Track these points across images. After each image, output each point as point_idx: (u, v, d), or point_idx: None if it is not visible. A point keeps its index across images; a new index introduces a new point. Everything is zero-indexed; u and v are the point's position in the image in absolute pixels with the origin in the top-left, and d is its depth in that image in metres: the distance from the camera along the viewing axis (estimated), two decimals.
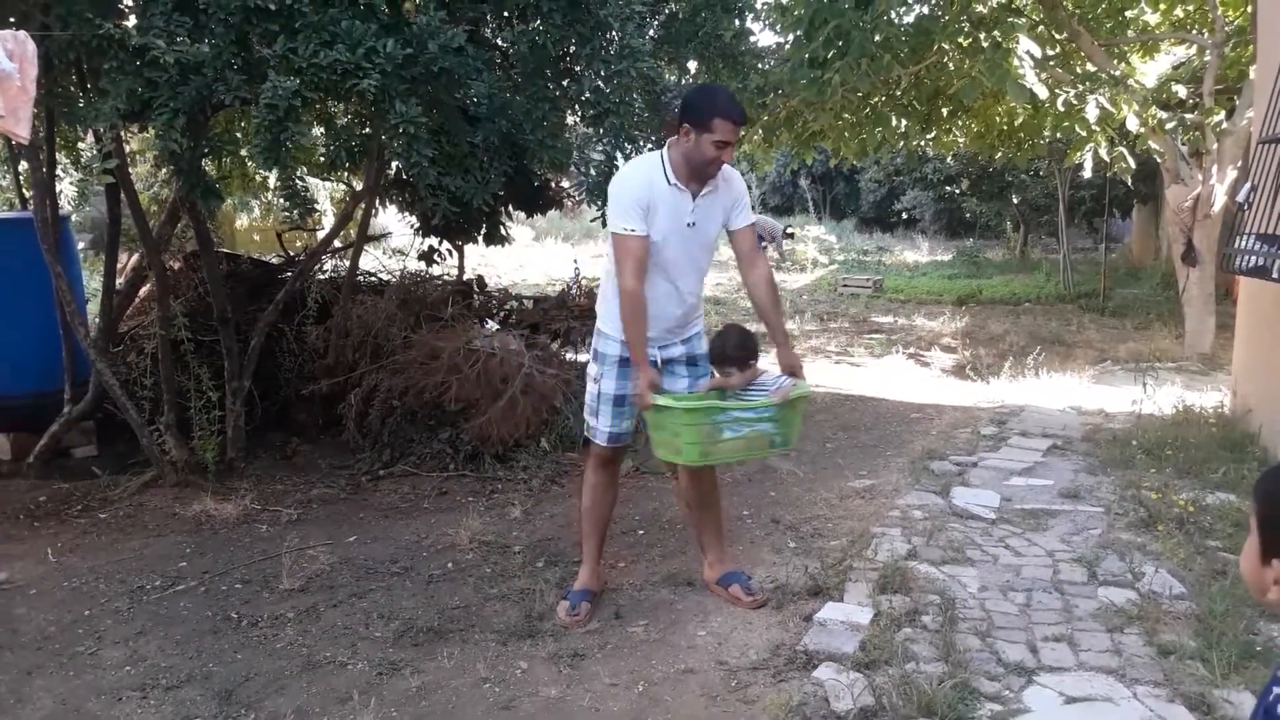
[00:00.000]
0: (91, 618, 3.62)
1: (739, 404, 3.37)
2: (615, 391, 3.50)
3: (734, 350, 3.49)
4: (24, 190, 6.45)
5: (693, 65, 6.23)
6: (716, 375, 3.57)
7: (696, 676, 3.11)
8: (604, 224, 4.69)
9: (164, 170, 5.32)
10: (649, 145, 5.15)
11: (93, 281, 8.06)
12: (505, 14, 4.84)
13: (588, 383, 3.62)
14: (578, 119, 5.44)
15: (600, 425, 3.55)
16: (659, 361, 3.51)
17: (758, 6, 8.59)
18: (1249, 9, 8.56)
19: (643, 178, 3.37)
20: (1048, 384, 7.64)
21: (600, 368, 3.53)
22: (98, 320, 5.58)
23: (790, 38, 8.88)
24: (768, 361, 3.67)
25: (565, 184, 6.99)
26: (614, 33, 4.54)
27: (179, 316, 5.30)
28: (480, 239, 6.53)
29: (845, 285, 15.76)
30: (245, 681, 3.13)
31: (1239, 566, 1.43)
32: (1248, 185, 5.18)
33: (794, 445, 3.60)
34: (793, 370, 3.49)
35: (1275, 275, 4.57)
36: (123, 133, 4.91)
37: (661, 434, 3.42)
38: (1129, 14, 10.16)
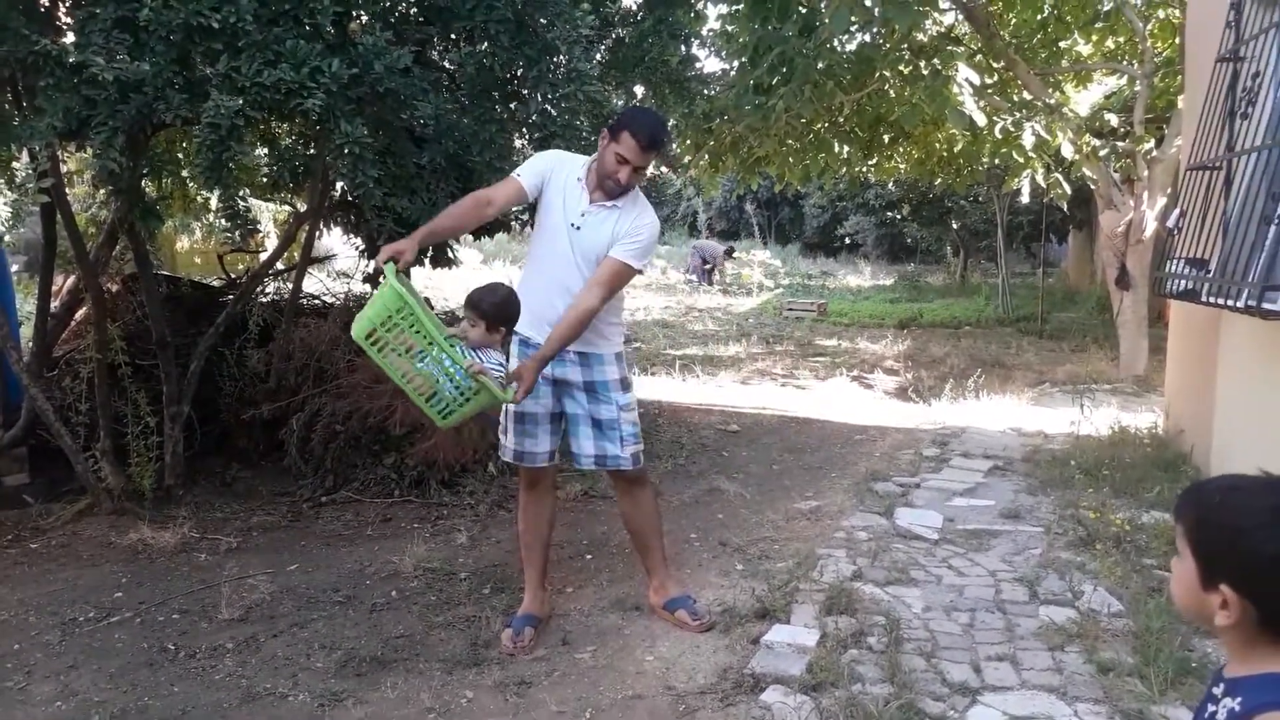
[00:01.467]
0: (21, 651, 3.50)
1: (428, 324, 3.01)
2: (515, 408, 3.45)
3: (487, 305, 3.20)
4: None
5: (639, 90, 6.28)
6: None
7: (644, 702, 3.09)
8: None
9: (102, 190, 5.20)
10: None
11: (26, 304, 7.85)
12: (452, 35, 4.83)
13: None
14: (525, 141, 5.45)
15: (507, 442, 3.55)
16: (554, 378, 3.43)
17: (703, 33, 8.72)
18: (1177, 41, 8.85)
19: (560, 158, 3.46)
20: (988, 406, 7.78)
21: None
22: (31, 344, 5.44)
23: (735, 64, 8.99)
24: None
25: (513, 206, 6.97)
26: (561, 56, 4.55)
27: (116, 340, 5.18)
28: (427, 261, 6.47)
29: (790, 309, 15.93)
30: (183, 715, 3.05)
31: (1173, 591, 1.41)
32: (1177, 211, 5.34)
33: (445, 425, 3.19)
34: (516, 375, 3.22)
35: (1204, 299, 4.71)
36: (59, 152, 4.80)
37: (369, 304, 3.14)
38: (1063, 44, 10.46)
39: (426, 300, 4.24)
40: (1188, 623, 3.37)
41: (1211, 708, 1.36)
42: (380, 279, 3.14)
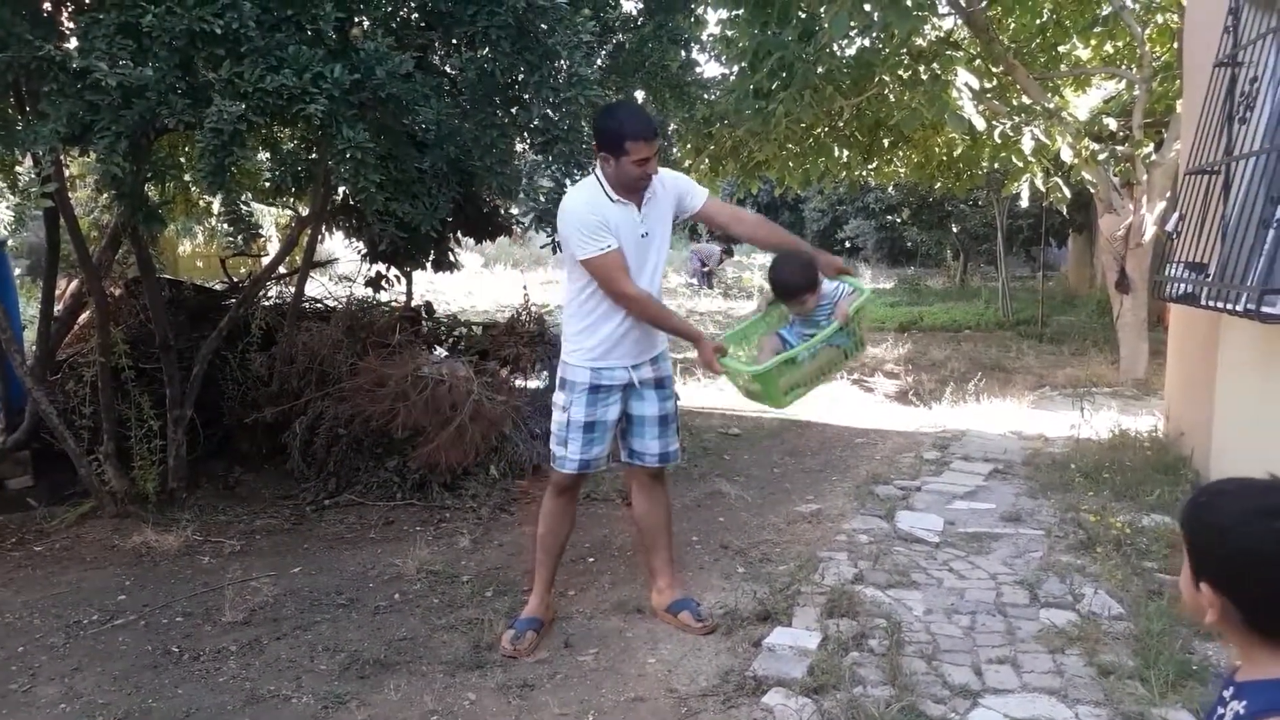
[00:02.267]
0: (25, 654, 3.52)
1: (804, 346, 3.44)
2: (585, 419, 3.50)
3: (801, 279, 3.52)
4: None
5: (640, 94, 6.30)
6: (784, 308, 3.69)
7: (646, 704, 3.10)
8: (555, 250, 4.71)
9: (105, 195, 5.22)
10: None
11: (30, 308, 7.87)
12: (454, 41, 4.85)
13: (554, 411, 3.60)
14: (526, 146, 5.47)
15: (570, 453, 3.54)
16: (635, 382, 3.53)
17: (703, 38, 8.74)
18: (1175, 45, 8.87)
19: (587, 202, 3.39)
20: (988, 409, 7.79)
21: (568, 395, 3.52)
22: (35, 348, 5.45)
23: (735, 69, 9.00)
24: None
25: (514, 211, 7.00)
26: (562, 61, 4.57)
27: (119, 344, 5.19)
28: (429, 265, 6.50)
29: None
30: (186, 717, 3.06)
31: (1180, 590, 1.44)
32: (1176, 215, 5.35)
33: (865, 346, 3.76)
34: (840, 271, 3.64)
35: (1204, 302, 4.72)
36: (62, 156, 4.82)
37: (740, 386, 3.62)
38: (1062, 49, 10.48)
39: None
40: (1189, 625, 3.39)
41: (1220, 710, 1.37)
42: (732, 375, 3.58)
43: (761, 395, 3.52)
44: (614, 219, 3.36)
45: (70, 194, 5.47)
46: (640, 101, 6.32)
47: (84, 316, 5.80)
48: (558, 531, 3.70)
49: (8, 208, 5.79)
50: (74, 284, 5.85)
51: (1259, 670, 1.35)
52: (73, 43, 4.08)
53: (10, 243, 5.39)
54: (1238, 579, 1.32)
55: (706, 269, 21.78)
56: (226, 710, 3.10)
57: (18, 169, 5.86)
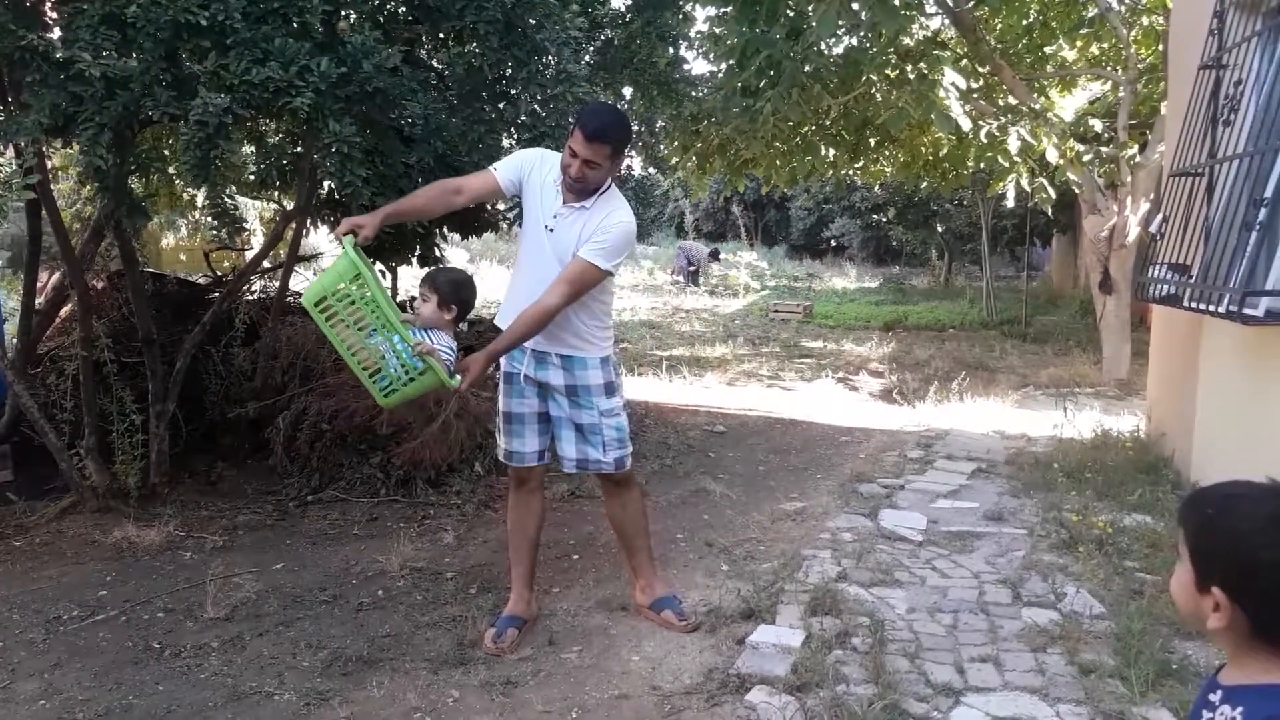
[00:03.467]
0: (4, 650, 3.49)
1: (381, 298, 3.00)
2: (502, 408, 3.51)
3: (442, 280, 3.26)
4: None
5: (627, 91, 6.30)
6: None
7: (630, 702, 3.10)
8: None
9: (88, 187, 5.18)
10: None
11: (11, 300, 7.80)
12: (441, 35, 4.84)
13: None
14: (513, 141, 5.45)
15: (500, 441, 3.59)
16: (522, 377, 3.46)
17: (691, 35, 8.73)
18: (1160, 48, 8.93)
19: (541, 157, 3.43)
20: (972, 408, 7.82)
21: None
22: (15, 341, 5.40)
23: (723, 67, 9.01)
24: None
25: (500, 206, 6.98)
26: (550, 57, 4.56)
27: (101, 337, 5.15)
28: (414, 260, 6.48)
29: (776, 310, 15.97)
30: (167, 714, 3.04)
31: (1173, 593, 1.42)
32: (1160, 216, 5.39)
33: (386, 403, 3.22)
34: (462, 367, 3.18)
35: (1186, 303, 4.75)
36: (45, 148, 4.78)
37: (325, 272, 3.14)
38: (1048, 50, 10.52)
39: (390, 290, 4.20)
40: (1170, 624, 3.41)
41: (1208, 714, 1.35)
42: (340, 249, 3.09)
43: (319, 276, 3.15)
44: (539, 188, 3.36)
45: (53, 186, 5.42)
46: (628, 98, 6.32)
47: (66, 309, 5.76)
48: (521, 526, 3.67)
49: None
50: (56, 277, 5.80)
51: (1252, 674, 1.32)
52: (56, 33, 4.05)
53: None
54: (1253, 586, 1.30)
55: (693, 268, 21.79)
56: (208, 707, 3.09)
57: None
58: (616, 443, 3.52)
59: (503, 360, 3.47)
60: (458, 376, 3.15)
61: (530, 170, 3.39)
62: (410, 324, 3.18)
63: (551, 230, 3.35)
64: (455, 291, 3.26)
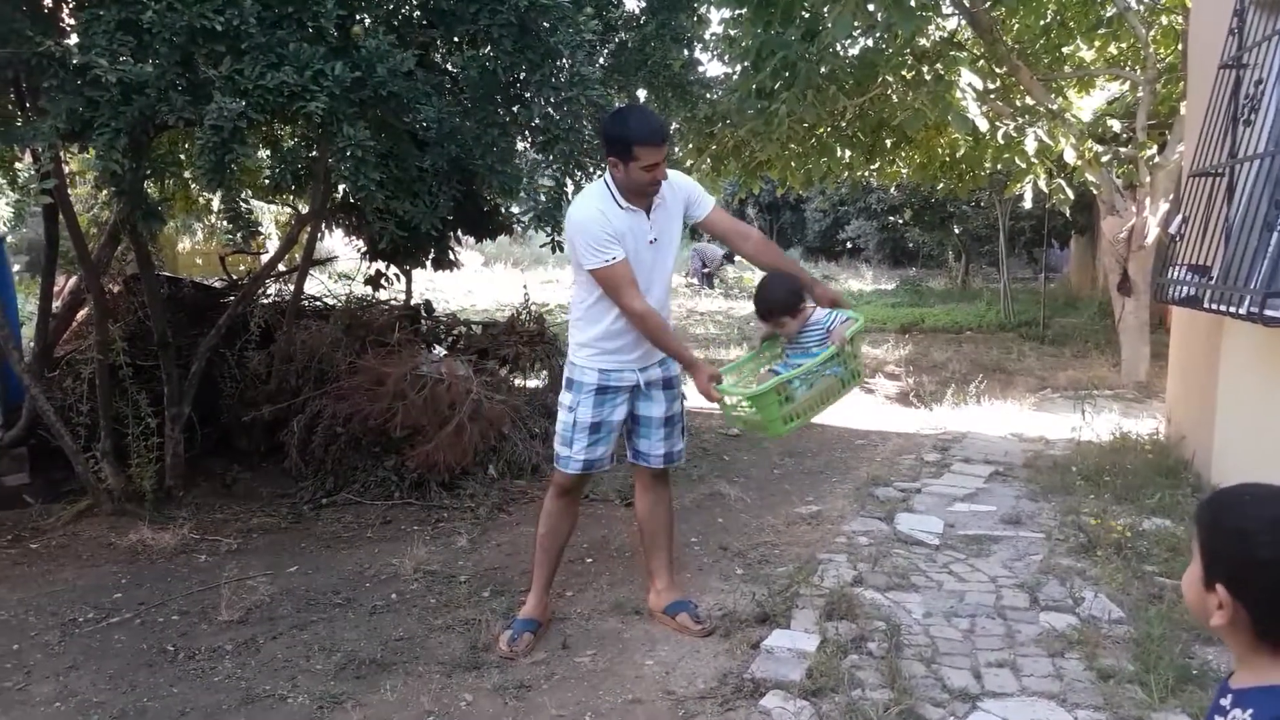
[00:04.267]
0: (21, 652, 3.50)
1: (800, 370, 3.35)
2: (591, 419, 3.48)
3: (784, 298, 3.49)
4: None
5: (642, 93, 6.28)
6: (767, 326, 3.62)
7: (644, 707, 3.09)
8: (554, 249, 4.70)
9: (104, 191, 5.21)
10: (598, 171, 5.18)
11: (28, 304, 7.86)
12: (455, 39, 4.83)
13: (560, 411, 3.57)
14: (527, 144, 5.45)
15: (574, 453, 3.52)
16: (642, 384, 3.51)
17: (706, 37, 8.72)
18: (1180, 47, 8.86)
19: (596, 210, 3.35)
20: (989, 411, 7.77)
21: (575, 396, 3.50)
22: (33, 344, 5.44)
23: (738, 68, 8.99)
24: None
25: (515, 209, 6.98)
26: (564, 60, 4.55)
27: (117, 341, 5.18)
28: (428, 263, 6.49)
29: None
30: (181, 716, 3.05)
31: (1183, 590, 1.44)
32: (1179, 217, 5.33)
33: (862, 376, 3.63)
34: (835, 302, 3.58)
35: (1206, 305, 4.70)
36: (62, 153, 4.81)
37: (736, 417, 3.52)
38: (1066, 50, 10.45)
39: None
40: (1190, 629, 3.37)
41: (1219, 719, 1.36)
42: (727, 406, 3.46)
43: (760, 424, 3.41)
44: (623, 226, 3.34)
45: (69, 190, 5.45)
46: (642, 101, 6.31)
47: (82, 313, 5.80)
48: (558, 532, 3.67)
49: (7, 204, 5.77)
50: (72, 281, 5.84)
51: (1262, 676, 1.33)
52: (73, 39, 4.07)
53: (9, 239, 5.38)
54: (1254, 584, 1.31)
55: (707, 270, 21.76)
56: (222, 709, 3.09)
57: (17, 165, 5.85)
58: (685, 431, 3.67)
59: (595, 377, 3.48)
60: (848, 314, 3.57)
61: (609, 223, 3.31)
62: (798, 346, 3.55)
63: (655, 241, 3.43)
64: (789, 299, 3.50)
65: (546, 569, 3.67)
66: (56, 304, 5.64)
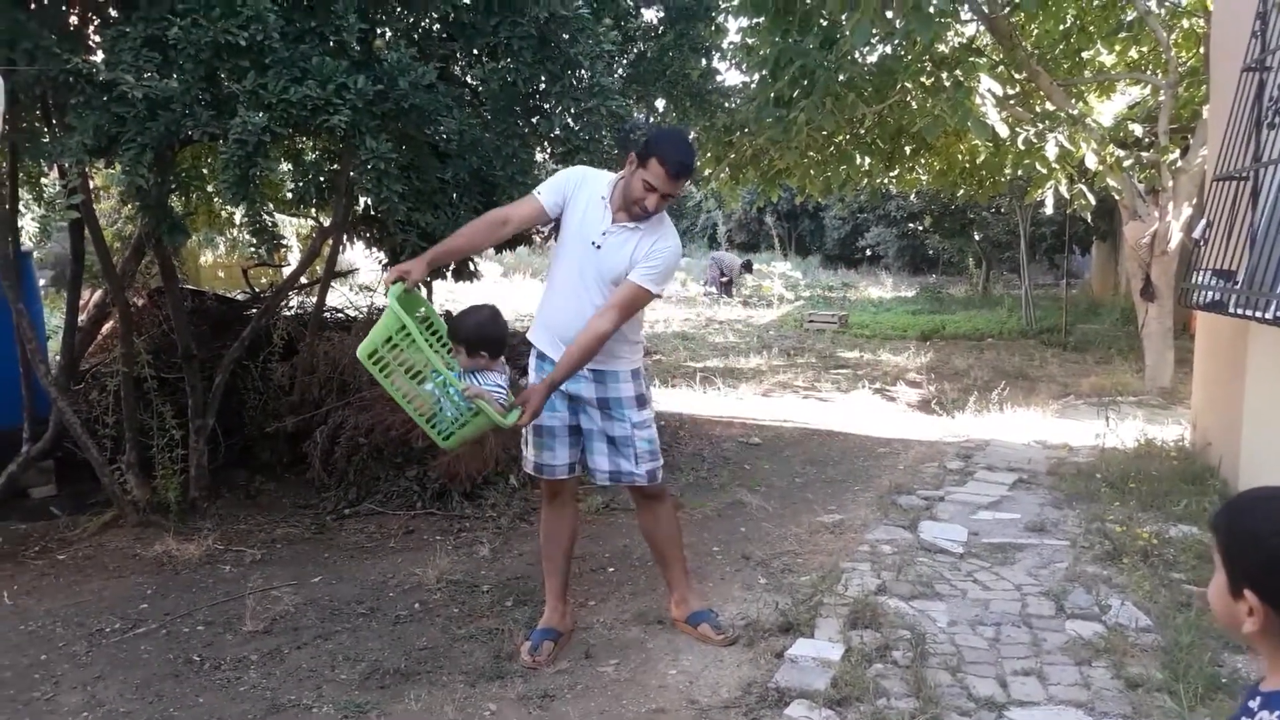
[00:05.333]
0: (48, 662, 3.53)
1: (424, 347, 3.06)
2: (535, 421, 3.38)
3: (469, 330, 3.23)
4: None
5: (660, 103, 6.30)
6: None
7: (667, 716, 3.08)
8: None
9: (129, 206, 5.27)
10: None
11: (53, 318, 7.95)
12: (475, 52, 4.87)
13: None
14: (546, 155, 5.47)
15: (527, 454, 3.55)
16: (566, 392, 3.41)
17: (724, 46, 8.74)
18: (1201, 50, 8.80)
19: (583, 176, 3.41)
20: (1012, 418, 7.72)
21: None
22: (59, 357, 5.50)
23: (756, 77, 8.99)
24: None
25: (531, 225, 6.99)
26: (584, 71, 4.58)
27: (142, 353, 5.23)
28: (449, 274, 6.51)
29: (811, 321, 15.90)
30: None
31: (1210, 601, 1.43)
32: (1204, 221, 5.30)
33: (448, 446, 3.23)
34: (523, 399, 3.21)
35: (1232, 310, 4.66)
36: (88, 168, 4.87)
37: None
38: (1086, 55, 10.41)
39: (445, 315, 4.21)
40: (1218, 637, 3.34)
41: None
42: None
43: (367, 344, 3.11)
44: (583, 204, 3.35)
45: (94, 205, 5.51)
46: (661, 110, 6.33)
47: (107, 326, 5.85)
48: (557, 538, 3.65)
49: (33, 219, 5.85)
50: (97, 294, 5.90)
51: None
52: (99, 55, 4.12)
53: (35, 254, 5.44)
54: (1274, 584, 1.31)
55: (725, 278, 21.75)
56: (248, 719, 3.10)
57: (43, 181, 5.92)
58: (649, 455, 3.51)
59: (532, 374, 3.48)
60: (515, 412, 3.17)
61: (575, 189, 3.38)
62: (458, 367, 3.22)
63: (599, 247, 3.33)
64: (480, 334, 3.23)
65: (556, 577, 3.66)
66: (82, 318, 5.69)
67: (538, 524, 4.03)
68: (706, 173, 10.64)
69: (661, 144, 3.25)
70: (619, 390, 3.46)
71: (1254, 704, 1.36)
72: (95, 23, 4.42)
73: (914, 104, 8.76)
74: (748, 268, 22.99)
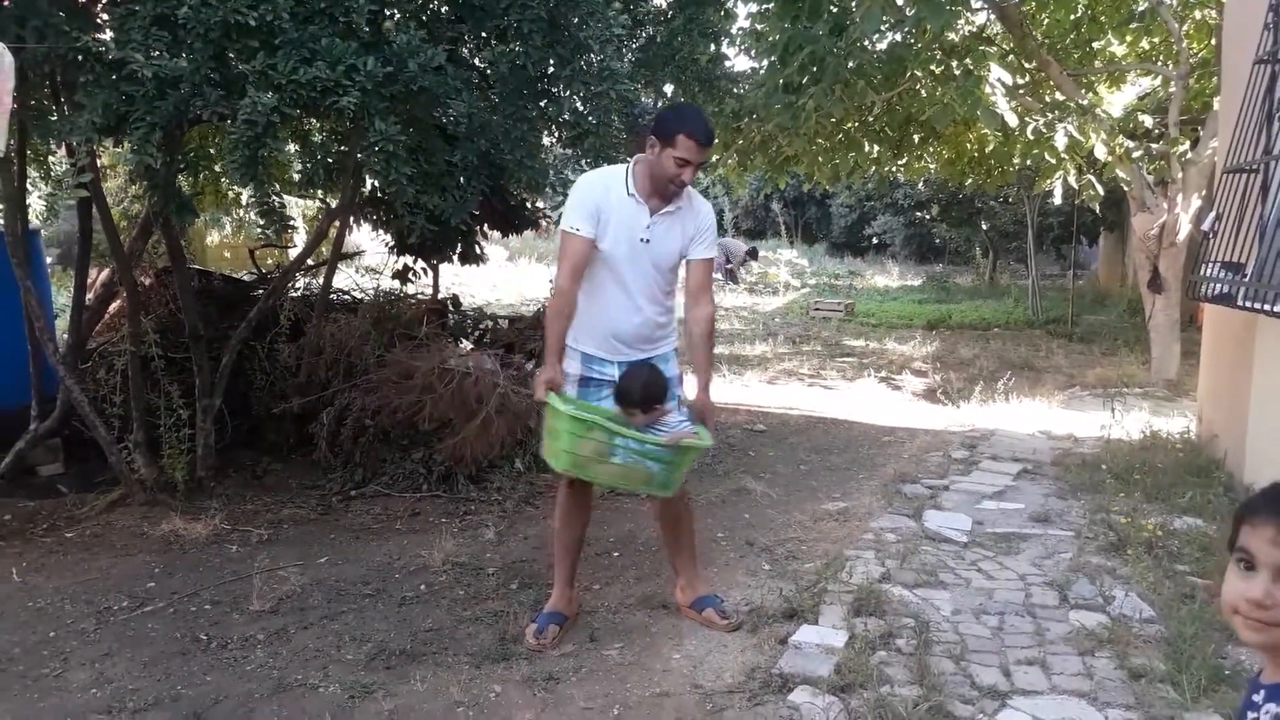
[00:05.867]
0: (57, 639, 3.56)
1: (628, 434, 3.26)
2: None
3: (639, 393, 3.38)
4: None
5: (669, 88, 6.28)
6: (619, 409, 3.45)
7: (671, 700, 3.09)
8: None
9: (137, 185, 5.27)
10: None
11: (60, 297, 7.96)
12: (484, 34, 4.85)
13: None
14: (554, 139, 5.46)
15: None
16: (599, 379, 3.46)
17: (733, 32, 8.70)
18: (1213, 42, 8.75)
19: (601, 183, 3.39)
20: (1017, 409, 7.72)
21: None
22: (66, 336, 5.51)
23: (765, 63, 8.96)
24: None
25: (540, 204, 7.00)
26: (593, 55, 4.56)
27: (149, 333, 5.24)
28: (455, 258, 6.52)
29: (817, 309, 15.87)
30: (215, 704, 3.08)
31: (1224, 596, 1.36)
32: (1213, 214, 5.28)
33: (672, 491, 3.43)
34: (701, 417, 3.47)
35: (1240, 302, 4.65)
36: (96, 147, 4.86)
37: (550, 435, 3.37)
38: (1096, 45, 10.35)
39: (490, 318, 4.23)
40: (1223, 628, 3.34)
41: (1252, 715, 1.34)
42: (549, 409, 3.34)
43: (552, 440, 3.33)
44: (616, 211, 3.34)
45: (101, 184, 5.51)
46: (669, 95, 6.31)
47: (115, 305, 5.86)
48: (569, 526, 3.67)
49: (40, 198, 5.85)
50: (105, 273, 5.90)
51: None
52: (108, 34, 4.11)
53: (43, 232, 5.44)
54: None
55: (730, 265, 21.70)
56: (254, 698, 3.12)
57: (50, 160, 5.92)
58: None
59: (578, 366, 3.48)
60: (703, 430, 3.42)
61: (601, 198, 3.35)
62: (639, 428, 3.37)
63: (648, 241, 3.38)
64: (648, 394, 3.38)
65: (565, 562, 3.68)
66: (90, 296, 5.70)
67: (544, 508, 4.05)
68: (714, 159, 10.60)
69: (684, 118, 3.32)
70: (669, 370, 3.52)
71: (1258, 698, 1.35)
72: (104, 1, 4.41)
73: (923, 92, 8.72)
74: (754, 255, 22.92)
